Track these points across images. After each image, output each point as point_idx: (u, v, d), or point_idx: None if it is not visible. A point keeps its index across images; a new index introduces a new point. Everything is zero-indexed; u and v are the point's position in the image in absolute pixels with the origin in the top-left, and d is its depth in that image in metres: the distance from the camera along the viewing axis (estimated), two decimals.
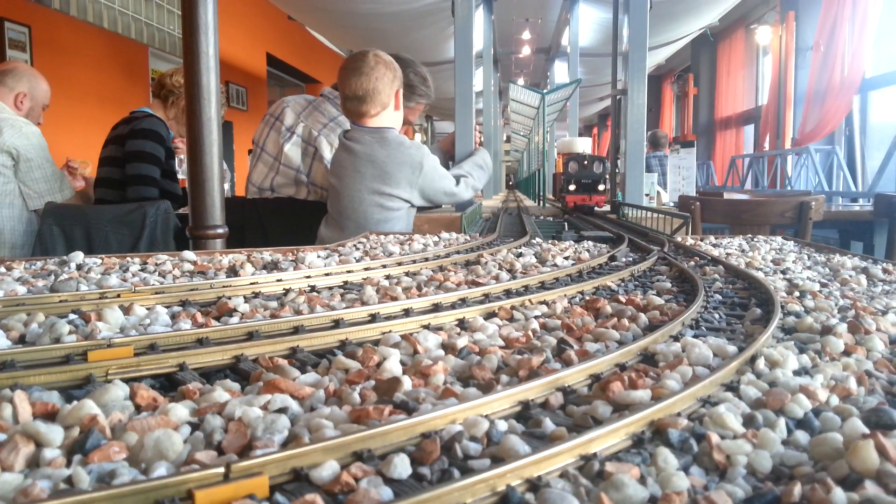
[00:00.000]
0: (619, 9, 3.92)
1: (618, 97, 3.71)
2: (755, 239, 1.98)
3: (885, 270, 1.36)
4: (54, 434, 0.48)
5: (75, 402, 0.55)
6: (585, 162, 2.93)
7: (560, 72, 10.23)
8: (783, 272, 1.35)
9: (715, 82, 12.63)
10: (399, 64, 2.60)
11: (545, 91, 4.27)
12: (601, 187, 2.93)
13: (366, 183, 2.42)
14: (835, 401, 0.61)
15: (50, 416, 0.54)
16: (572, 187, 2.92)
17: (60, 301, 0.96)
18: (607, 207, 3.36)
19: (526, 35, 10.36)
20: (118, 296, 1.00)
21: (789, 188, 8.25)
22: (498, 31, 8.83)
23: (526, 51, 11.28)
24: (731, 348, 0.74)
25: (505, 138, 13.71)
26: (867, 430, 0.52)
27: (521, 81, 14.11)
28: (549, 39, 10.45)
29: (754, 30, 10.42)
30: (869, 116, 8.00)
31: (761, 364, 0.69)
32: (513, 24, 9.62)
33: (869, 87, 7.76)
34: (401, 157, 2.43)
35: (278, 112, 2.99)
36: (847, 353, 0.76)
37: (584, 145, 3.46)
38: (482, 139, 4.90)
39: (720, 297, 1.07)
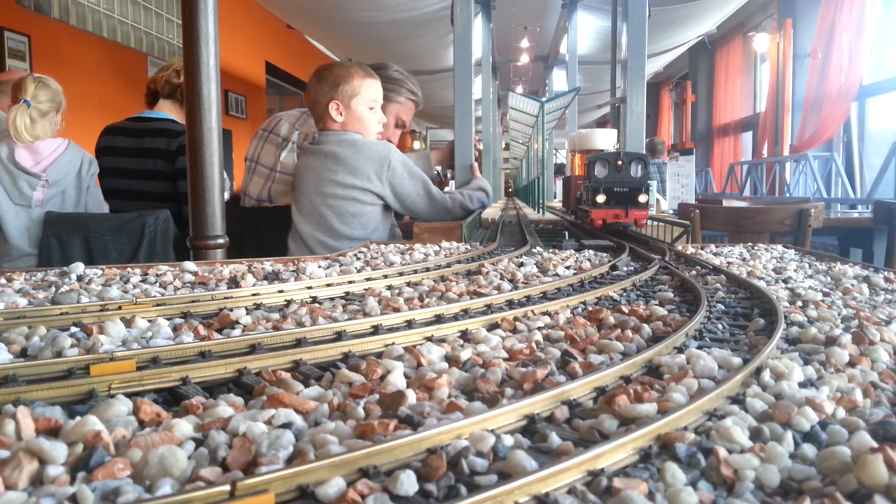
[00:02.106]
0: (617, 17, 3.94)
1: (617, 105, 3.71)
2: (756, 247, 1.98)
3: (886, 279, 1.36)
4: (58, 451, 0.48)
5: (78, 418, 0.54)
6: (619, 162, 2.04)
7: (559, 79, 10.26)
8: (785, 281, 1.34)
9: (713, 89, 12.67)
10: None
11: (544, 99, 4.28)
12: (642, 198, 2.03)
13: (331, 177, 2.44)
14: (841, 413, 0.61)
15: (53, 432, 0.54)
16: (601, 198, 2.04)
17: (62, 313, 0.96)
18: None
19: (525, 43, 10.40)
20: (119, 308, 1.00)
21: (788, 195, 8.27)
22: (497, 39, 8.85)
23: (525, 59, 11.32)
24: (736, 360, 0.74)
25: (504, 146, 13.73)
26: (875, 444, 0.52)
27: (519, 89, 14.14)
28: (547, 47, 10.49)
29: (752, 37, 10.45)
30: (867, 123, 8.03)
31: (767, 376, 0.69)
32: (511, 32, 9.65)
33: (866, 94, 7.78)
34: (368, 152, 2.45)
35: (272, 126, 3.01)
36: (852, 364, 0.76)
37: (606, 139, 2.82)
38: (481, 147, 4.90)
39: (723, 307, 1.07)
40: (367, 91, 2.54)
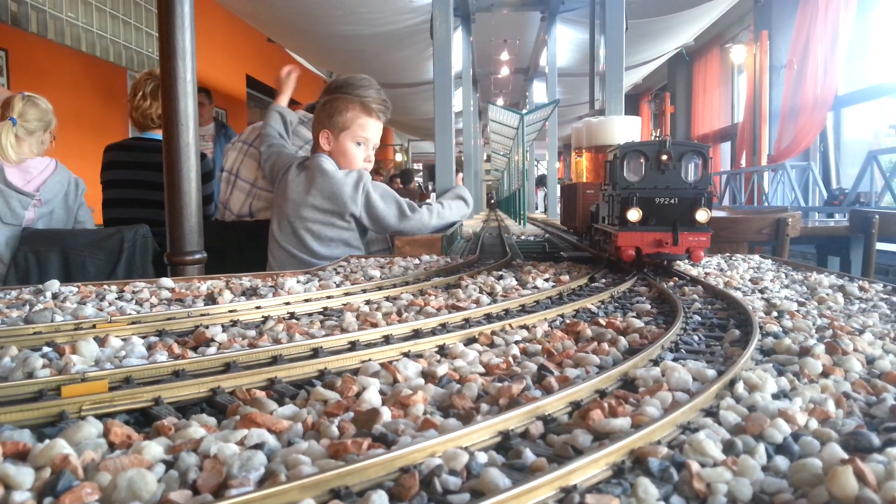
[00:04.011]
0: (595, 30, 3.97)
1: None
2: (733, 257, 2.00)
3: (861, 288, 1.38)
4: (24, 476, 0.47)
5: (47, 441, 0.53)
6: (664, 157, 1.42)
7: (539, 91, 10.33)
8: (761, 291, 1.36)
9: (691, 100, 12.80)
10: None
11: (524, 111, 4.30)
12: (702, 216, 1.40)
13: (310, 202, 2.47)
14: (814, 424, 0.61)
15: (21, 455, 0.53)
16: (634, 215, 1.41)
17: (35, 333, 0.95)
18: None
19: (505, 56, 10.48)
20: (94, 326, 0.99)
21: (766, 204, 8.35)
22: (477, 52, 8.90)
23: (505, 71, 11.39)
24: (711, 372, 0.74)
25: (485, 157, 13.77)
26: (846, 456, 0.53)
27: (500, 101, 14.21)
28: (527, 60, 10.57)
29: (729, 49, 10.58)
30: (843, 133, 8.14)
31: (740, 388, 0.69)
32: (491, 45, 9.72)
33: (842, 104, 7.90)
34: (341, 178, 2.47)
35: (251, 139, 3.00)
36: (825, 374, 0.77)
37: (627, 130, 2.11)
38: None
39: (699, 319, 1.08)
40: (359, 128, 2.57)
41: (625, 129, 2.15)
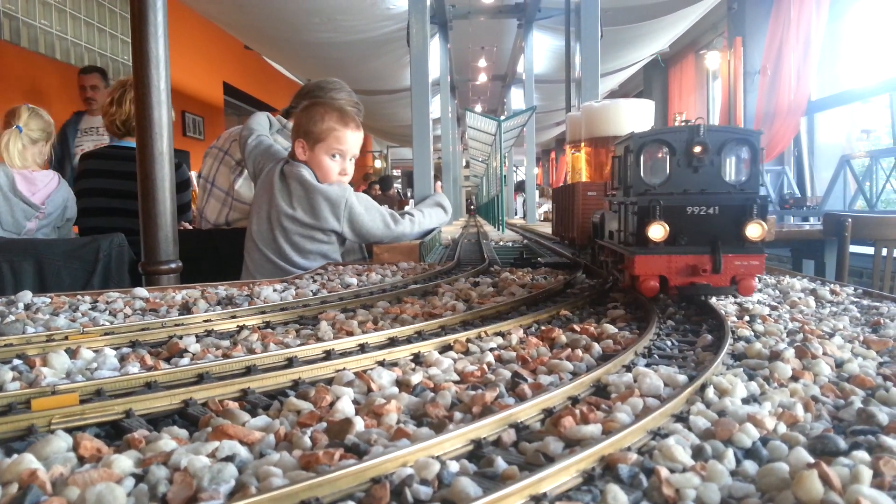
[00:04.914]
0: (571, 37, 4.00)
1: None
2: None
3: (832, 292, 1.40)
4: None
5: (15, 456, 0.53)
6: (697, 149, 1.06)
7: (516, 98, 10.38)
8: (734, 295, 1.37)
9: (668, 106, 12.91)
10: None
11: (502, 118, 4.32)
12: (754, 231, 1.03)
13: (290, 213, 2.43)
14: (782, 428, 0.62)
15: None
16: (657, 232, 1.05)
17: (5, 345, 0.93)
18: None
19: (482, 63, 10.51)
20: (66, 338, 0.98)
21: None
22: (454, 59, 8.93)
23: (483, 78, 11.43)
24: (682, 377, 0.75)
25: (464, 163, 13.80)
26: (812, 460, 0.53)
27: (478, 108, 14.26)
28: (504, 67, 10.62)
29: (704, 55, 10.68)
30: (816, 137, 8.25)
31: (710, 393, 0.70)
32: (469, 51, 9.75)
33: (815, 109, 8.01)
34: (324, 193, 2.42)
35: (227, 146, 2.97)
36: (795, 378, 0.78)
37: (638, 116, 1.71)
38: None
39: (672, 323, 1.09)
40: (335, 141, 2.48)
41: (635, 115, 1.72)
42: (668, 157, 1.08)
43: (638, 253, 1.06)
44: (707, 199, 1.05)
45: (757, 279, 1.08)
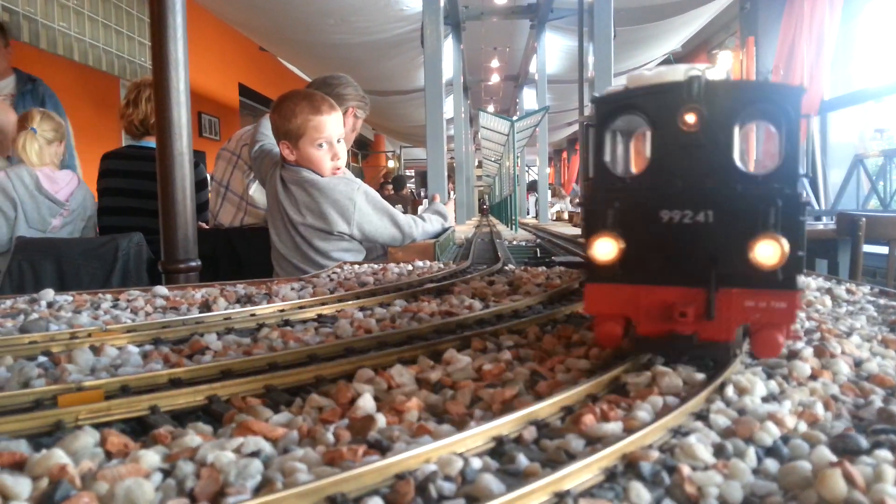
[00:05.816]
0: (583, 37, 4.00)
1: (585, 123, 3.76)
2: None
3: (848, 291, 1.39)
4: (21, 486, 0.48)
5: (44, 451, 0.54)
6: (691, 118, 0.68)
7: (529, 98, 10.38)
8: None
9: None
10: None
11: (514, 118, 4.32)
12: (766, 252, 0.65)
13: (300, 220, 2.44)
14: (803, 427, 0.62)
15: (18, 466, 0.53)
16: (605, 249, 0.71)
17: (30, 342, 0.95)
18: None
19: (495, 63, 10.52)
20: (89, 335, 0.99)
21: None
22: (467, 60, 8.93)
23: (495, 78, 11.43)
24: (701, 375, 0.75)
25: (477, 163, 13.80)
26: (834, 458, 0.53)
27: (490, 108, 14.26)
28: (517, 67, 10.62)
29: (716, 55, 10.64)
30: (829, 137, 8.19)
31: (730, 391, 0.70)
32: (482, 52, 9.75)
33: (828, 109, 7.95)
34: (330, 195, 2.40)
35: (240, 149, 2.99)
36: (814, 377, 0.78)
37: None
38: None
39: None
40: (314, 131, 2.42)
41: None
42: (645, 131, 0.73)
43: (590, 281, 0.74)
44: (694, 197, 0.69)
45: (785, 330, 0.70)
